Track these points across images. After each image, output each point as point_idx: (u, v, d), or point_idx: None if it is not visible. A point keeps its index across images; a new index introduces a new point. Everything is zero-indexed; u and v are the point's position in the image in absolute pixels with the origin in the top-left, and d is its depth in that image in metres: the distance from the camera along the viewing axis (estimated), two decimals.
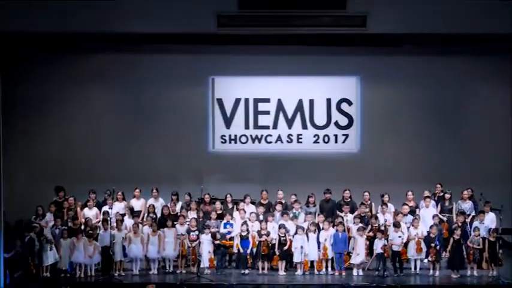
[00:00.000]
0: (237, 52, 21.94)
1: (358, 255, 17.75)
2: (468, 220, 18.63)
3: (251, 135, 22.58)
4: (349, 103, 22.49)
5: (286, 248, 17.87)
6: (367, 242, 17.95)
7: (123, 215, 18.77)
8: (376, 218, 18.43)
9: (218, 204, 19.25)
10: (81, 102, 22.48)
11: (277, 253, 17.89)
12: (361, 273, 17.78)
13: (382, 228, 18.02)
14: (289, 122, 22.53)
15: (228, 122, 22.59)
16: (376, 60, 21.97)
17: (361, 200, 19.19)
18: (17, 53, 21.21)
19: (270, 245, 17.94)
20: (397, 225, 17.82)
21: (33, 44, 21.19)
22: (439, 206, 19.11)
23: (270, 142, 22.60)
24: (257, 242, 17.96)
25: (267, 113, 22.56)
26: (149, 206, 19.27)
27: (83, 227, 18.42)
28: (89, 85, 22.33)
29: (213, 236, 17.98)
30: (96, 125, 22.51)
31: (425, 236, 17.83)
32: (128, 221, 18.62)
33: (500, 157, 21.74)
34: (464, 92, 22.22)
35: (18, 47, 20.90)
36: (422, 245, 17.76)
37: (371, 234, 18.14)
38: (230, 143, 22.64)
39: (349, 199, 19.27)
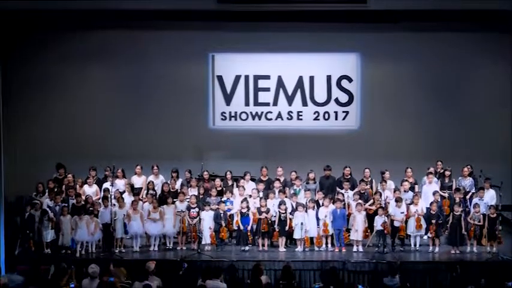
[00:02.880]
0: (237, 29, 21.85)
1: (357, 231, 17.81)
2: (468, 197, 18.68)
3: (251, 112, 22.56)
4: (350, 80, 22.44)
5: (286, 227, 17.92)
6: (366, 219, 18.04)
7: (122, 192, 18.80)
8: (380, 194, 18.42)
9: (218, 181, 19.28)
10: (82, 80, 22.44)
11: (277, 229, 17.93)
12: (361, 249, 17.84)
13: (383, 205, 18.05)
14: (290, 99, 22.49)
15: (228, 99, 22.56)
16: (376, 37, 21.91)
17: (361, 176, 19.21)
18: (18, 31, 21.13)
19: (270, 222, 17.98)
20: (399, 200, 17.87)
21: (33, 22, 21.10)
22: (439, 182, 19.14)
23: (270, 119, 22.58)
24: (257, 219, 18.01)
25: (267, 89, 22.53)
26: (149, 182, 19.31)
27: (83, 203, 18.44)
28: (89, 62, 22.29)
29: (217, 219, 17.97)
30: (96, 102, 22.49)
31: (426, 212, 17.88)
32: (128, 198, 18.65)
33: (500, 134, 21.68)
34: (465, 69, 22.15)
35: (18, 25, 20.83)
36: (422, 222, 17.80)
37: (373, 207, 18.17)
38: (230, 120, 22.63)
39: (350, 176, 19.29)
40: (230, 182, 19.46)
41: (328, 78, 22.48)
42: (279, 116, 22.54)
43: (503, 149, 21.23)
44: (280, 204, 18.01)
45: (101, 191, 19.06)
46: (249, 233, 18.09)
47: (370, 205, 18.31)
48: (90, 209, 17.96)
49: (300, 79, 22.47)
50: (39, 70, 22.12)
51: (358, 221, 17.84)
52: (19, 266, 16.35)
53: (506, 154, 20.97)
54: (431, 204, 17.92)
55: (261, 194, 18.65)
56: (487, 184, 18.52)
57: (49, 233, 17.74)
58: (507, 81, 21.60)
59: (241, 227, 18.07)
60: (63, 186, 19.10)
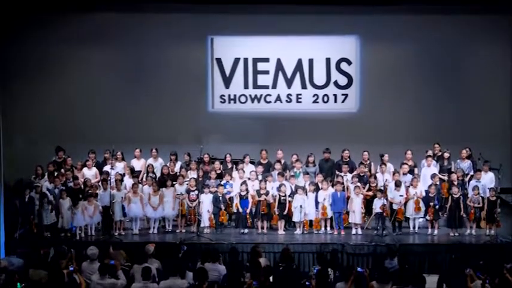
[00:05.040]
0: (236, 11, 21.80)
1: (354, 212, 17.82)
2: (467, 179, 18.68)
3: (250, 95, 22.55)
4: (349, 62, 22.41)
5: (286, 210, 17.93)
6: (365, 201, 18.05)
7: (122, 175, 18.81)
8: (375, 177, 18.47)
9: (217, 164, 19.29)
10: (80, 62, 22.39)
11: (276, 212, 17.95)
12: (359, 232, 17.88)
13: (381, 187, 18.05)
14: (289, 82, 22.48)
15: (227, 81, 22.54)
16: (375, 20, 21.84)
17: (360, 159, 19.21)
18: (17, 12, 21.05)
19: (269, 204, 17.98)
20: (398, 184, 17.87)
21: (33, 3, 21.02)
22: (438, 165, 19.14)
23: (269, 102, 22.57)
24: (257, 201, 18.03)
25: (266, 72, 22.51)
26: (148, 165, 19.31)
27: (82, 187, 18.44)
28: (88, 45, 22.20)
29: (216, 202, 17.98)
30: (95, 85, 22.46)
31: (424, 195, 17.90)
32: (128, 181, 18.66)
33: (500, 117, 21.75)
34: (464, 51, 22.11)
35: (18, 6, 20.73)
36: (421, 204, 17.82)
37: (370, 193, 18.18)
38: (229, 102, 22.62)
39: (348, 159, 19.29)
40: (230, 165, 19.46)
41: (328, 60, 22.45)
42: (278, 98, 22.53)
43: (503, 131, 21.28)
44: (279, 186, 18.02)
45: (100, 173, 19.05)
46: (248, 216, 18.11)
47: (367, 191, 18.30)
48: (89, 191, 17.97)
49: (299, 62, 22.45)
50: (38, 53, 22.05)
51: (355, 204, 17.85)
52: (19, 249, 16.41)
53: (506, 137, 20.99)
54: (429, 187, 17.93)
55: (259, 177, 18.64)
56: (486, 167, 18.52)
57: (49, 216, 17.75)
58: (507, 63, 21.61)
59: (241, 210, 18.08)
60: (62, 170, 19.07)
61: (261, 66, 22.49)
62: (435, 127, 21.82)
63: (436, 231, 17.87)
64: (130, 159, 19.76)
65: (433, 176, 18.27)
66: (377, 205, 17.72)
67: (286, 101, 22.55)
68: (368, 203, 18.11)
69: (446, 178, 18.70)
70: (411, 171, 18.73)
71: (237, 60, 22.49)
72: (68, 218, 17.75)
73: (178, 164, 19.52)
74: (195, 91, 22.54)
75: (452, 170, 18.88)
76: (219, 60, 22.53)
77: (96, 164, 19.52)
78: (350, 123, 22.23)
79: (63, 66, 22.35)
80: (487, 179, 18.36)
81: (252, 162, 19.51)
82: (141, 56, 22.30)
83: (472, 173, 18.81)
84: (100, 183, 18.47)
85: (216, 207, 17.99)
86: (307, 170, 19.00)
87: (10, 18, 20.70)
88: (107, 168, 19.02)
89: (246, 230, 18.10)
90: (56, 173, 18.72)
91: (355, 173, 18.79)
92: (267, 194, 17.98)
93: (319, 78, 22.47)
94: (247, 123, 22.36)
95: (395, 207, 17.89)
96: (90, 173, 19.08)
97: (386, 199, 17.77)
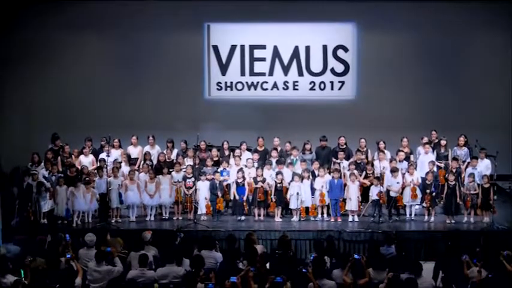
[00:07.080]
0: None
1: (350, 200, 17.83)
2: (464, 166, 18.68)
3: (247, 82, 22.54)
4: (346, 50, 22.39)
5: (282, 191, 17.94)
6: (361, 189, 18.06)
7: (120, 162, 18.79)
8: (373, 165, 18.46)
9: (214, 151, 19.29)
10: (77, 49, 22.38)
11: (273, 199, 17.95)
12: (356, 219, 17.89)
13: (378, 175, 18.05)
14: (285, 69, 22.46)
15: (223, 69, 22.52)
16: (373, 6, 21.79)
17: (357, 146, 19.19)
18: (16, 0, 21.01)
19: (266, 191, 17.98)
20: (395, 170, 17.87)
21: None
22: (434, 152, 19.13)
23: (266, 89, 22.56)
24: (253, 189, 18.02)
25: (263, 59, 22.49)
26: (145, 153, 19.29)
27: (79, 174, 18.42)
28: (84, 32, 22.21)
29: (212, 189, 17.98)
30: (92, 72, 22.48)
31: (421, 182, 17.90)
32: (125, 168, 18.65)
33: (499, 104, 21.73)
34: (463, 38, 22.06)
35: None
36: (418, 192, 17.82)
37: (367, 182, 18.17)
38: (226, 90, 22.62)
39: (345, 146, 19.28)
40: (226, 152, 19.45)
41: (324, 48, 22.43)
42: (275, 86, 22.53)
43: (502, 119, 21.28)
44: (277, 174, 18.01)
45: (97, 161, 19.03)
46: (244, 203, 18.11)
47: (363, 178, 18.29)
48: (86, 179, 17.95)
49: (296, 49, 22.43)
50: (35, 40, 22.05)
51: (352, 191, 17.85)
52: (16, 236, 16.41)
53: (505, 124, 20.99)
54: (426, 174, 17.94)
55: (255, 164, 18.62)
56: (482, 154, 18.50)
57: (46, 203, 17.73)
58: (506, 51, 21.57)
59: (237, 197, 18.08)
60: (59, 157, 19.05)
61: (257, 53, 22.48)
62: (433, 114, 21.81)
63: (432, 218, 17.87)
64: (127, 146, 19.73)
65: (429, 163, 18.25)
66: (374, 192, 17.72)
67: (283, 88, 22.55)
68: (365, 190, 18.11)
69: (442, 165, 18.71)
70: (407, 159, 18.72)
71: (233, 47, 22.46)
72: (63, 205, 17.74)
73: (175, 152, 19.50)
74: (192, 78, 22.53)
75: (450, 157, 18.86)
76: (215, 47, 22.50)
77: (92, 151, 19.49)
78: (347, 111, 22.21)
79: (62, 54, 22.34)
80: (483, 166, 18.34)
81: (248, 150, 19.49)
82: (138, 43, 22.29)
83: (468, 160, 18.80)
84: (97, 171, 18.46)
85: (212, 194, 18.01)
86: (304, 157, 18.99)
87: (10, 6, 20.63)
88: (103, 155, 18.99)
89: (243, 217, 18.10)
90: (53, 161, 18.69)
91: (351, 160, 18.79)
92: (263, 181, 17.99)
93: (316, 65, 22.46)
94: (244, 110, 22.34)
95: (393, 194, 17.89)
96: (87, 161, 19.06)
97: (383, 186, 17.78)
